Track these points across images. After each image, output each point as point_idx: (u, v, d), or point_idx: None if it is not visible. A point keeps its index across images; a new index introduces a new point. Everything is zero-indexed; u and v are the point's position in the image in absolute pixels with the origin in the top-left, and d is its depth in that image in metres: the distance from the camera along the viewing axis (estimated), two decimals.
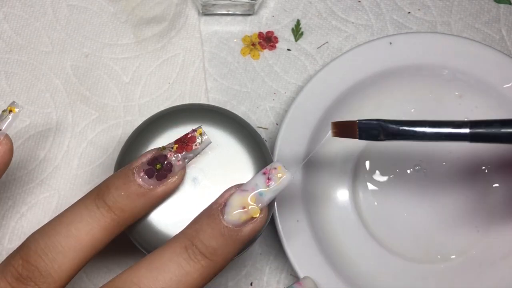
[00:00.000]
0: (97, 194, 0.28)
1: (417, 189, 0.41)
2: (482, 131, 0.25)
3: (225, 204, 0.28)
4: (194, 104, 0.41)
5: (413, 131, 0.26)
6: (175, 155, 0.30)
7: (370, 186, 0.42)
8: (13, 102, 0.32)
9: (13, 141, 0.42)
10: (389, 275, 0.40)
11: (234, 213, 0.28)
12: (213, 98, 0.44)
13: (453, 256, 0.40)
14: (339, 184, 0.42)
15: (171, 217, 0.31)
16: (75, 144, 0.42)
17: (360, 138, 0.27)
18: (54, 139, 0.43)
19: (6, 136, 0.31)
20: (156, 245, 0.30)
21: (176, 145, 0.30)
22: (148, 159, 0.29)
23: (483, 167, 0.42)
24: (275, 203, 0.37)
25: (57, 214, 0.28)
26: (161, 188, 0.30)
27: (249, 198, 0.28)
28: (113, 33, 0.44)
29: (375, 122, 0.27)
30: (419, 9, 0.45)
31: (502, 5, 0.45)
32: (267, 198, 0.28)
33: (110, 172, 0.42)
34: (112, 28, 0.45)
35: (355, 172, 0.42)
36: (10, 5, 0.45)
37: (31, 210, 0.41)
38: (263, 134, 0.43)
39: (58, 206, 0.41)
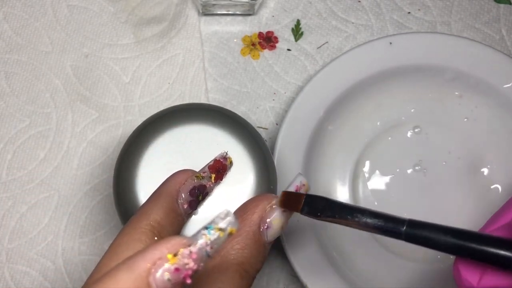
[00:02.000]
0: (153, 233, 0.26)
1: (417, 189, 0.41)
2: (416, 232, 0.26)
3: (265, 225, 0.28)
4: (194, 104, 0.41)
5: (356, 217, 0.26)
6: (213, 184, 0.30)
7: (370, 186, 0.42)
8: (228, 212, 0.21)
9: (13, 141, 0.42)
10: (389, 275, 0.40)
11: (276, 235, 0.28)
12: (213, 98, 0.44)
13: (453, 256, 0.40)
14: (339, 184, 0.42)
15: None
16: (75, 144, 0.42)
17: (301, 212, 0.27)
18: (54, 139, 0.43)
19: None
20: None
21: (214, 175, 0.31)
22: (191, 190, 0.29)
23: (483, 167, 0.42)
24: None
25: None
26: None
27: (287, 218, 0.28)
28: (113, 33, 0.44)
29: (322, 199, 0.27)
30: (419, 9, 0.45)
31: (502, 5, 0.45)
32: None
33: (110, 172, 0.42)
34: (112, 28, 0.45)
35: (355, 172, 0.42)
36: (10, 5, 0.45)
37: (31, 210, 0.41)
38: (263, 134, 0.43)
39: (58, 206, 0.41)
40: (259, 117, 0.44)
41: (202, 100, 0.43)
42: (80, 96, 0.43)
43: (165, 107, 0.36)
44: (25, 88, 0.43)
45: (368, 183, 0.42)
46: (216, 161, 0.31)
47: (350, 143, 0.42)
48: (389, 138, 0.42)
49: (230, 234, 0.21)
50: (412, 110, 0.42)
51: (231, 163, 0.31)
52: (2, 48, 0.44)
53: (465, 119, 0.42)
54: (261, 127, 0.43)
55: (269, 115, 0.44)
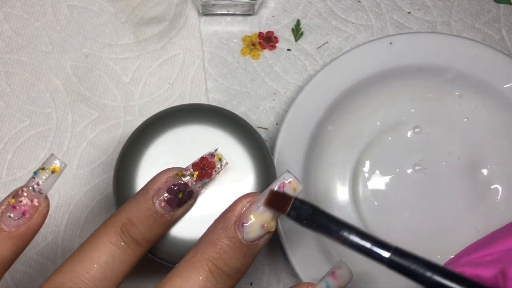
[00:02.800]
0: (122, 230, 0.27)
1: (417, 189, 0.41)
2: (400, 261, 0.24)
3: (242, 221, 0.27)
4: (194, 104, 0.41)
5: (342, 232, 0.25)
6: (195, 182, 0.29)
7: (370, 186, 0.42)
8: (53, 156, 0.28)
9: (13, 141, 0.42)
10: (389, 275, 0.40)
11: (254, 232, 0.27)
12: (213, 98, 0.44)
13: (453, 256, 0.40)
14: (339, 184, 0.42)
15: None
16: (75, 144, 0.42)
17: (287, 216, 0.25)
18: (54, 139, 0.43)
19: (46, 199, 0.27)
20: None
21: (197, 173, 0.30)
22: (168, 188, 0.29)
23: (483, 168, 0.42)
24: None
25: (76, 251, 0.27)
26: (180, 211, 0.30)
27: (270, 216, 0.27)
28: (113, 33, 0.44)
29: (310, 207, 0.25)
30: (419, 9, 0.45)
31: (502, 5, 0.45)
32: None
33: (110, 172, 0.42)
34: (112, 28, 0.45)
35: (355, 172, 0.42)
36: (10, 5, 0.45)
37: None
38: (263, 134, 0.43)
39: (58, 206, 0.41)
40: (259, 117, 0.44)
41: (202, 100, 0.43)
42: (80, 96, 0.43)
43: (165, 107, 0.36)
44: (25, 88, 0.43)
45: (368, 183, 0.42)
46: (201, 158, 0.30)
47: (350, 143, 0.42)
48: (389, 138, 0.42)
49: (53, 171, 0.28)
50: (412, 110, 0.42)
51: (220, 159, 0.31)
52: (2, 48, 0.44)
53: (465, 119, 0.42)
54: (261, 127, 0.43)
55: (269, 115, 0.44)
